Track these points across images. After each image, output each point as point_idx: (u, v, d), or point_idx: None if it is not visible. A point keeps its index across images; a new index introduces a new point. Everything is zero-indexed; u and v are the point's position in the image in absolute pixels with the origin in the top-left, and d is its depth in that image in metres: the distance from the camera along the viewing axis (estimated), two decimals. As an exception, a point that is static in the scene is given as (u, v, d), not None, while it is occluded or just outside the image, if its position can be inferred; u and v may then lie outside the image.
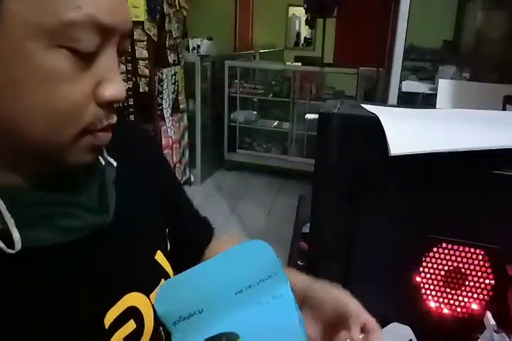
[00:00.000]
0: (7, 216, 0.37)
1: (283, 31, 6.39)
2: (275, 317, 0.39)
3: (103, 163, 0.48)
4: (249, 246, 0.42)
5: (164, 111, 3.21)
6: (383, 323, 0.79)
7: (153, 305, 0.50)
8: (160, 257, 0.56)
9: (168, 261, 0.57)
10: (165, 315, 0.42)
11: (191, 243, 0.69)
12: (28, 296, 0.40)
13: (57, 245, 0.40)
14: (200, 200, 3.71)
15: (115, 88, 0.38)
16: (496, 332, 0.64)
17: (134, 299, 0.49)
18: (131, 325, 0.48)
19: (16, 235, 0.37)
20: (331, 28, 4.04)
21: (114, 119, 0.41)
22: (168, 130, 3.30)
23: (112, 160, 0.49)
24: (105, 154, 0.49)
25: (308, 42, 6.43)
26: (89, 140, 0.39)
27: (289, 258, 1.14)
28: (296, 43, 6.52)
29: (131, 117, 2.89)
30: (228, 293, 0.41)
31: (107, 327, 0.46)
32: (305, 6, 3.66)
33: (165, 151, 3.28)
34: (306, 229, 1.20)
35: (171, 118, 3.32)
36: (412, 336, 0.75)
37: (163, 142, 3.24)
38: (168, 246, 0.61)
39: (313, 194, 0.81)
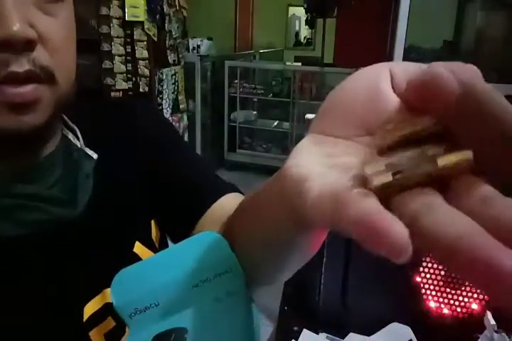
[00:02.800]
0: None
1: (283, 31, 6.39)
2: (228, 315, 0.38)
3: (78, 155, 0.46)
4: (206, 238, 0.40)
5: (164, 111, 3.21)
6: (383, 323, 0.79)
7: None
8: (139, 249, 0.51)
9: (154, 248, 0.53)
10: (121, 307, 0.39)
11: (180, 217, 0.56)
12: None
13: (27, 237, 0.39)
14: (200, 200, 3.71)
15: (6, 27, 0.32)
16: (496, 332, 0.64)
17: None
18: (110, 322, 0.46)
19: None
20: (331, 28, 4.04)
21: (23, 66, 0.34)
22: (168, 130, 3.30)
23: (90, 153, 0.46)
24: (82, 146, 0.46)
25: (308, 42, 6.43)
26: None
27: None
28: (296, 43, 6.52)
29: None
30: (184, 286, 0.39)
31: (84, 320, 0.45)
32: (305, 6, 3.66)
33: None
34: (306, 229, 1.19)
35: (171, 118, 3.32)
36: (412, 336, 0.75)
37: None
38: (157, 233, 0.55)
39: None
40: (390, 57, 1.44)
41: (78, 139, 0.46)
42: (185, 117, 3.68)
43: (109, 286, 0.44)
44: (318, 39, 4.87)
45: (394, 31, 1.40)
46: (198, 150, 3.98)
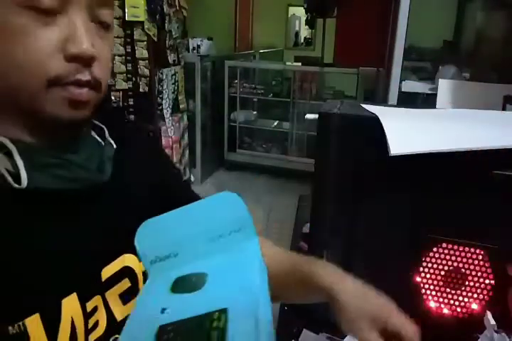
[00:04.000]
0: (17, 158, 0.44)
1: (283, 31, 6.38)
2: (239, 270, 0.40)
3: (103, 143, 0.55)
4: (223, 197, 0.44)
5: (164, 111, 3.21)
6: (383, 323, 0.79)
7: (144, 272, 0.54)
8: None
9: None
10: (144, 253, 0.43)
11: None
12: (30, 235, 0.45)
13: (61, 194, 0.46)
14: (200, 200, 3.71)
15: (79, 45, 0.43)
16: (496, 332, 0.64)
17: (130, 260, 0.54)
18: (126, 283, 0.53)
19: (23, 174, 0.43)
20: (331, 28, 4.04)
21: (85, 76, 0.45)
22: (168, 130, 3.30)
23: (112, 142, 0.56)
24: (106, 135, 0.56)
25: (308, 42, 6.42)
26: (60, 92, 0.44)
27: (289, 258, 1.14)
28: (296, 43, 6.51)
29: (131, 117, 2.89)
30: (201, 239, 0.43)
31: (103, 280, 0.51)
32: (305, 6, 3.66)
33: (165, 151, 3.28)
34: (306, 229, 1.20)
35: (171, 118, 3.32)
36: (412, 336, 0.75)
37: (163, 142, 3.24)
38: None
39: (313, 194, 0.81)
40: (390, 57, 1.44)
41: (104, 131, 0.56)
42: (185, 117, 3.67)
43: (129, 252, 0.54)
44: (318, 39, 4.87)
45: (394, 31, 1.40)
46: (198, 150, 3.98)
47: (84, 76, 0.45)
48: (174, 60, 3.29)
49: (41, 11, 0.41)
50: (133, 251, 0.52)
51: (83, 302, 0.48)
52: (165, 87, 3.17)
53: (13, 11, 0.41)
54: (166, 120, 3.25)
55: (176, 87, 3.38)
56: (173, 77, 3.31)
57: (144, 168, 0.63)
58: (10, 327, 0.41)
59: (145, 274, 0.55)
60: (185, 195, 0.69)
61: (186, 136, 3.74)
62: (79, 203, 0.50)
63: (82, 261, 0.49)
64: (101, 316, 0.51)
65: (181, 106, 3.53)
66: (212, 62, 4.10)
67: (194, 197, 0.68)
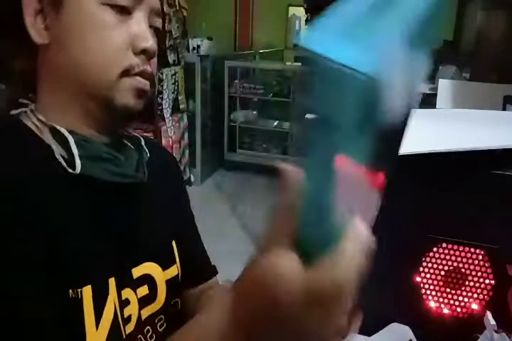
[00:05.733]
0: (73, 147, 0.48)
1: (283, 31, 6.39)
2: None
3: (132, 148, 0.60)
4: None
5: (164, 111, 3.21)
6: (383, 323, 0.79)
7: (167, 280, 0.58)
8: (174, 247, 0.64)
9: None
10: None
11: (191, 273, 0.67)
12: (79, 216, 0.49)
13: (111, 183, 0.51)
14: (200, 200, 3.71)
15: (145, 41, 0.51)
16: (496, 332, 0.64)
17: (151, 268, 0.57)
18: (144, 289, 0.55)
19: (77, 161, 0.48)
20: (331, 28, 4.03)
21: (148, 68, 0.53)
22: (168, 130, 3.30)
23: (146, 150, 0.60)
24: (142, 143, 0.60)
25: (308, 42, 6.42)
26: (130, 81, 0.51)
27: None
28: (296, 43, 6.51)
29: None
30: None
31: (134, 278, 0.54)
32: (305, 6, 3.66)
33: (165, 151, 3.27)
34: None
35: (171, 118, 3.32)
36: (412, 336, 0.75)
37: (163, 142, 3.24)
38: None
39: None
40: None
41: (140, 141, 0.61)
42: (185, 117, 3.68)
43: (151, 261, 0.57)
44: (318, 39, 4.85)
45: (394, 31, 1.40)
46: (198, 150, 3.98)
47: (148, 69, 0.53)
48: (174, 60, 3.30)
49: (118, 9, 0.49)
50: (156, 259, 0.58)
51: (119, 289, 0.50)
52: (165, 87, 3.17)
53: (97, 7, 0.49)
54: (166, 120, 3.26)
55: (175, 87, 3.38)
56: (173, 77, 3.32)
57: (164, 181, 0.66)
58: (70, 291, 0.45)
59: (168, 282, 0.59)
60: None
61: (186, 136, 3.75)
62: (122, 197, 0.54)
63: (122, 250, 0.52)
64: (134, 310, 0.53)
65: (181, 106, 3.54)
66: (212, 62, 4.10)
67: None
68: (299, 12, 5.83)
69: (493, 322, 0.66)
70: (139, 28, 0.51)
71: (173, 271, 0.61)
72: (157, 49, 0.55)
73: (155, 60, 0.56)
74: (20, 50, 0.52)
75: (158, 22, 0.56)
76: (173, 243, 0.63)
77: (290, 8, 6.24)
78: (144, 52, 0.51)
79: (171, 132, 3.34)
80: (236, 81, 4.25)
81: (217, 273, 0.74)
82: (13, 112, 0.52)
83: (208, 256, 0.74)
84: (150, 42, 0.51)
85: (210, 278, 0.72)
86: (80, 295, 0.45)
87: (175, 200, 0.69)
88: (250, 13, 6.20)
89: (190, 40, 4.18)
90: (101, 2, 0.49)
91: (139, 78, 0.51)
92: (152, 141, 0.77)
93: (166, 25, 3.03)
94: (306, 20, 4.33)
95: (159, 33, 0.57)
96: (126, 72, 0.50)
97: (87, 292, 0.46)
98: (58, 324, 0.43)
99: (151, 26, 0.54)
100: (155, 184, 0.60)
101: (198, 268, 0.70)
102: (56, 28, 0.50)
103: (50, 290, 0.43)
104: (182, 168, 3.69)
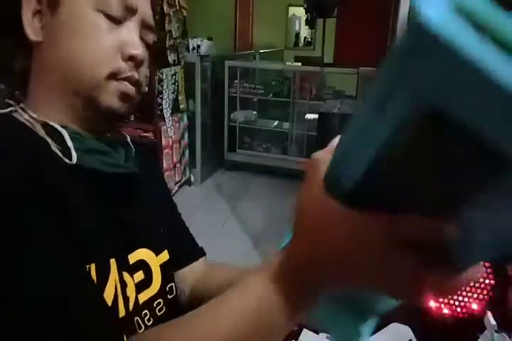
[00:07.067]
0: (68, 140, 0.50)
1: (283, 31, 6.39)
2: None
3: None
4: None
5: (164, 111, 3.21)
6: (383, 323, 0.79)
7: (160, 265, 0.61)
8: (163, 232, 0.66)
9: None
10: None
11: (180, 254, 0.69)
12: (77, 204, 0.49)
13: (106, 173, 0.52)
14: (200, 200, 3.71)
15: (134, 48, 0.54)
16: (496, 332, 0.64)
17: (145, 254, 0.59)
18: (140, 275, 0.57)
19: (73, 153, 0.50)
20: (331, 28, 4.04)
21: (135, 75, 0.55)
22: (168, 130, 3.30)
23: (132, 147, 0.63)
24: (128, 140, 0.63)
25: (308, 42, 6.43)
26: (116, 85, 0.53)
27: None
28: (296, 43, 6.51)
29: (131, 117, 2.89)
30: None
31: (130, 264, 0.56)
32: (305, 6, 3.66)
33: (165, 151, 3.28)
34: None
35: (171, 118, 3.32)
36: (412, 336, 0.75)
37: (163, 142, 3.24)
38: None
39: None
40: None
41: (127, 138, 0.65)
42: (185, 117, 3.67)
43: (145, 247, 0.59)
44: (318, 39, 4.87)
45: (394, 31, 1.40)
46: (198, 151, 3.98)
47: (135, 76, 0.55)
48: (174, 60, 3.29)
49: (110, 17, 0.53)
50: (150, 246, 0.60)
51: (119, 271, 0.52)
52: (165, 87, 3.17)
53: (91, 12, 0.52)
54: (166, 120, 3.25)
55: (175, 87, 3.38)
56: (173, 77, 3.31)
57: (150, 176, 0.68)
58: (87, 266, 0.47)
59: (162, 267, 0.61)
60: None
61: (186, 136, 3.74)
62: (115, 187, 0.55)
63: (119, 236, 0.54)
64: (131, 293, 0.54)
65: (181, 106, 3.53)
66: (212, 62, 4.09)
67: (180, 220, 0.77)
68: (299, 12, 5.83)
69: (493, 322, 0.66)
70: (129, 35, 0.54)
71: (165, 255, 0.64)
72: (146, 65, 0.57)
73: (145, 69, 0.58)
74: (17, 50, 0.54)
75: (149, 36, 0.59)
76: (161, 229, 0.66)
77: (290, 8, 6.25)
78: (132, 59, 0.54)
79: (171, 132, 3.33)
80: (236, 81, 4.25)
81: (205, 254, 0.76)
82: (2, 111, 0.53)
83: (197, 242, 0.77)
84: (139, 50, 0.54)
85: (199, 258, 0.75)
86: (88, 271, 0.47)
87: (160, 189, 0.73)
88: (250, 13, 6.21)
89: (190, 40, 4.19)
90: (95, 8, 0.52)
91: (125, 83, 0.54)
92: (138, 140, 0.80)
93: (166, 25, 3.03)
94: (306, 20, 4.33)
95: (150, 49, 0.60)
96: (114, 75, 0.53)
97: (92, 270, 0.47)
98: (98, 291, 0.46)
99: (142, 39, 0.57)
100: (141, 174, 0.62)
101: (186, 248, 0.74)
102: (50, 27, 0.53)
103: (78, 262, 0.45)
104: (182, 168, 3.69)
